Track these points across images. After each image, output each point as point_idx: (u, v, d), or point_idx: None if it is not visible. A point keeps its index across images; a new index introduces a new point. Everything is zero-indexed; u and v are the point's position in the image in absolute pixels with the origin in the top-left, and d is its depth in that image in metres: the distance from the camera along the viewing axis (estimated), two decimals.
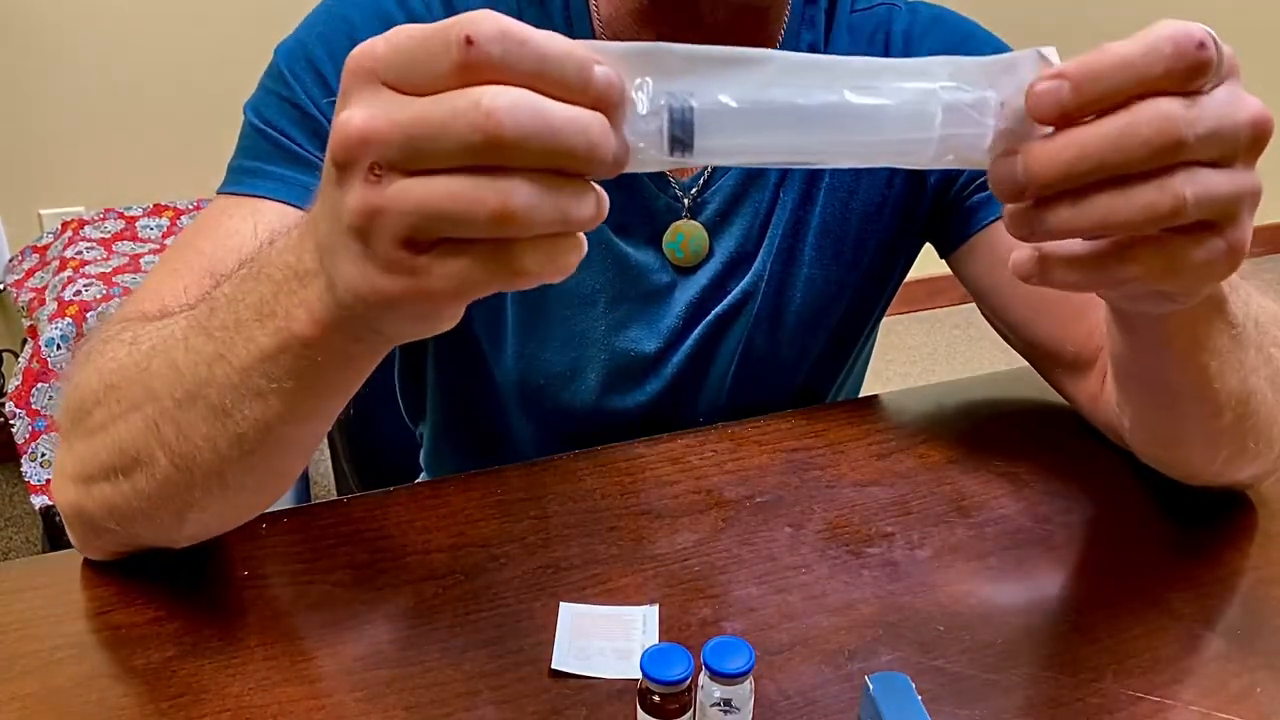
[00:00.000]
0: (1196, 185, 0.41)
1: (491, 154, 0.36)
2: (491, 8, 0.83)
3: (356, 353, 0.47)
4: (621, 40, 0.76)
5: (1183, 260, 0.43)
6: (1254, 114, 0.42)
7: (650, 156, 0.39)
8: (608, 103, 0.37)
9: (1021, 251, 0.45)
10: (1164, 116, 0.40)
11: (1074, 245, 0.44)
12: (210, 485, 0.54)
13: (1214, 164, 0.42)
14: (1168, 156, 0.40)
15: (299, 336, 0.46)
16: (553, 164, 0.37)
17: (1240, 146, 0.42)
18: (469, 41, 0.36)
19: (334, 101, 0.73)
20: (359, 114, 0.38)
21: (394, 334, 0.45)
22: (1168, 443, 0.70)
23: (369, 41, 0.39)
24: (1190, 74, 0.40)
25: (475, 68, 0.36)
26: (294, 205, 0.69)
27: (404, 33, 0.38)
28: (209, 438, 0.52)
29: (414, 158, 0.37)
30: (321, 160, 0.70)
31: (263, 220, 0.68)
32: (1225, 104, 0.41)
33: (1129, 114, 0.40)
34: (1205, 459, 0.68)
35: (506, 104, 0.36)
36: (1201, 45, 0.40)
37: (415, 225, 0.38)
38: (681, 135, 0.39)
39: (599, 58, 0.38)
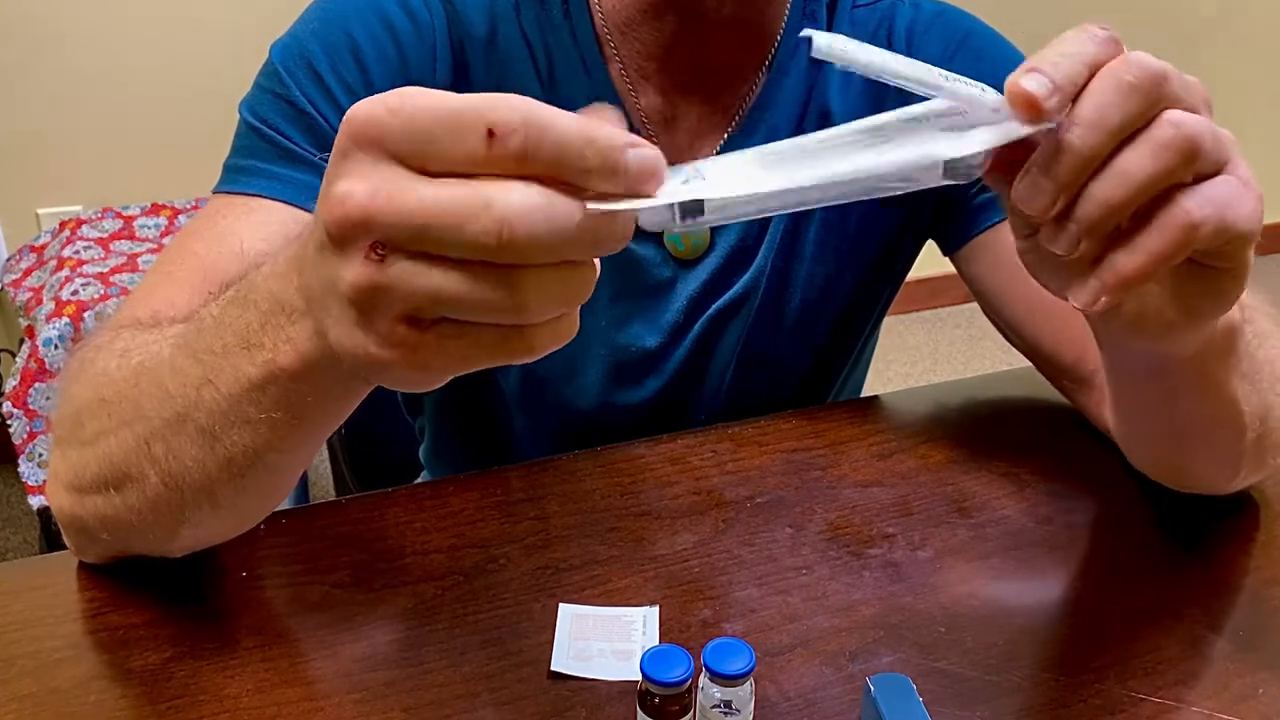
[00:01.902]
0: (1193, 120, 0.42)
1: (502, 255, 0.36)
2: (490, 4, 0.82)
3: (345, 389, 0.47)
4: (625, 31, 0.76)
5: (1218, 194, 0.43)
6: (1195, 81, 0.44)
7: (662, 224, 0.39)
8: (643, 190, 0.37)
9: (1081, 290, 0.45)
10: (1136, 57, 0.41)
11: (1124, 235, 0.44)
12: (201, 503, 0.54)
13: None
14: (1158, 95, 0.41)
15: (286, 370, 0.45)
16: (557, 258, 0.36)
17: (1199, 100, 0.43)
18: (491, 134, 0.35)
19: (329, 97, 0.73)
20: (360, 189, 0.36)
21: (383, 385, 0.45)
22: (1188, 473, 0.70)
23: (372, 105, 0.37)
24: (1110, 43, 0.42)
25: (496, 160, 0.35)
26: (290, 203, 0.69)
27: (418, 105, 0.36)
28: (198, 459, 0.51)
29: (419, 244, 0.36)
30: (317, 158, 0.70)
31: (258, 219, 0.68)
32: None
33: (1105, 72, 0.41)
34: (1226, 479, 0.69)
35: (519, 209, 0.35)
36: (1102, 27, 0.42)
37: (420, 307, 0.37)
38: (692, 205, 0.38)
39: (635, 140, 0.36)
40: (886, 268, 0.87)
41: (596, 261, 0.39)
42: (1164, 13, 2.82)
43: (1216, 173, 0.43)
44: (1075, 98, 0.41)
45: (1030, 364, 0.83)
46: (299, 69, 0.71)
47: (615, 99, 0.77)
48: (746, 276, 0.82)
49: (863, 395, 0.95)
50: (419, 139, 0.36)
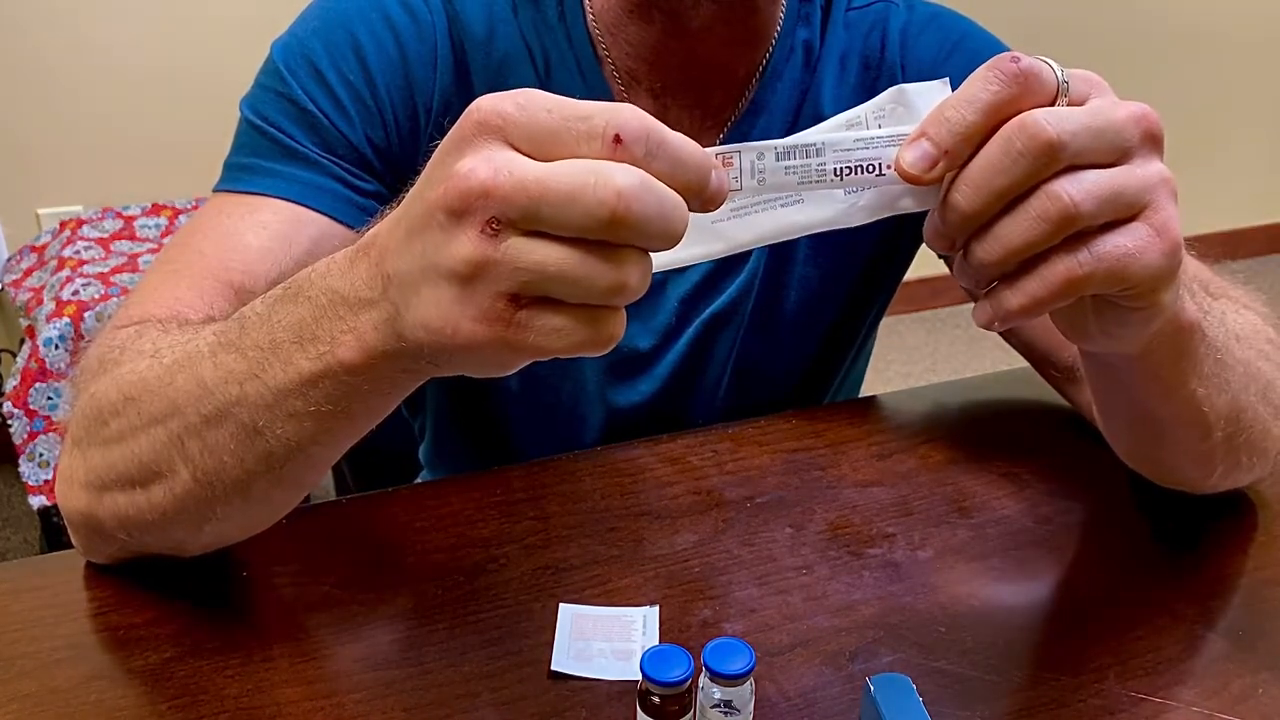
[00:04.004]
0: (1081, 184, 0.42)
1: (610, 231, 0.38)
2: (489, 5, 0.82)
3: (400, 381, 0.47)
4: (615, 32, 0.76)
5: (1111, 248, 0.44)
6: (1134, 111, 0.44)
7: None
8: (712, 207, 0.41)
9: (978, 310, 0.47)
10: (1031, 122, 0.42)
11: (1015, 274, 0.45)
12: (233, 499, 0.54)
13: (1108, 165, 0.43)
14: (1046, 161, 0.42)
15: (344, 363, 0.46)
16: (649, 243, 0.39)
17: (1132, 142, 0.44)
18: (617, 139, 0.38)
19: (331, 96, 0.72)
20: (483, 167, 0.38)
21: (451, 370, 0.45)
22: (1162, 467, 0.70)
23: (498, 99, 0.39)
24: (1019, 80, 0.43)
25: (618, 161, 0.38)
26: (293, 201, 0.69)
27: (544, 105, 0.39)
28: (237, 454, 0.52)
29: (534, 220, 0.38)
30: (321, 157, 0.70)
31: (261, 218, 0.67)
32: (1096, 107, 0.44)
33: (999, 135, 0.43)
34: (1201, 476, 0.69)
35: (635, 187, 0.38)
36: (1015, 59, 0.43)
37: (528, 283, 0.39)
38: None
39: (717, 163, 0.41)
40: (881, 269, 0.86)
41: None
42: (1161, 13, 2.82)
43: (1132, 217, 0.44)
44: (979, 145, 0.43)
45: (1029, 364, 0.83)
46: (301, 67, 0.71)
47: (610, 100, 0.77)
48: (739, 280, 0.82)
49: (863, 395, 0.95)
50: (544, 135, 0.39)
